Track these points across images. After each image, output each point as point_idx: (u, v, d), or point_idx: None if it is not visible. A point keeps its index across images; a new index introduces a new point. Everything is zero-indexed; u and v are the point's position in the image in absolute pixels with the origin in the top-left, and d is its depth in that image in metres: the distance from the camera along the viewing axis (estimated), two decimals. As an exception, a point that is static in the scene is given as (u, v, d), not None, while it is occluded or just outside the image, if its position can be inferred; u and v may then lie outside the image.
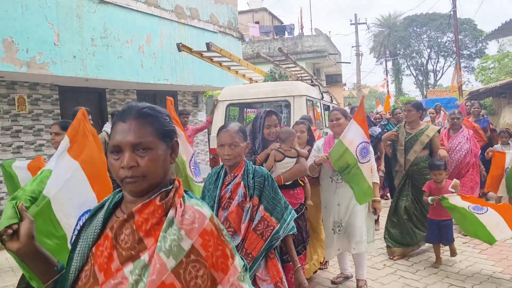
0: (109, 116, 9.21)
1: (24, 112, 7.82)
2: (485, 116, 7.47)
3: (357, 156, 3.59)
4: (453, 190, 4.25)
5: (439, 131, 4.85)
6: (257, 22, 24.39)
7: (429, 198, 4.34)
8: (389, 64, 43.03)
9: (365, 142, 3.65)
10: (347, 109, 7.17)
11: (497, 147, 6.26)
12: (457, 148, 5.62)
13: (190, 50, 6.85)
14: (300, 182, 3.55)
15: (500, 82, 11.92)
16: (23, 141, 7.80)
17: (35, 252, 1.20)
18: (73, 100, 8.89)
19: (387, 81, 28.10)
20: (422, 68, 45.77)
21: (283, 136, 3.43)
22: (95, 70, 7.77)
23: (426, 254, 4.88)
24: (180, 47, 6.58)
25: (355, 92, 28.06)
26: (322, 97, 7.78)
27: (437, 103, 11.45)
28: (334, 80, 25.51)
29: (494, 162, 5.71)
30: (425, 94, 34.12)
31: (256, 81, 8.11)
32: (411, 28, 43.81)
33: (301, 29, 24.37)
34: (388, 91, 23.66)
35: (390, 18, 45.55)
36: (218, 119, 6.59)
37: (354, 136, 3.62)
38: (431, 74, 45.97)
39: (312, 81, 8.11)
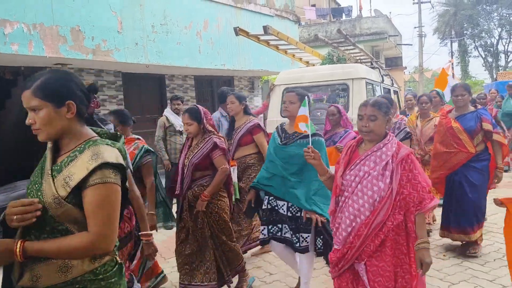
0: (168, 101, 9.49)
1: (90, 97, 8.24)
2: (478, 107, 4.42)
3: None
4: None
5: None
6: (313, 5, 23.84)
7: None
8: (455, 45, 40.62)
9: None
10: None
11: None
12: (357, 189, 2.30)
13: (247, 34, 6.83)
14: None
15: None
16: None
17: None
18: (135, 86, 9.25)
19: (452, 64, 26.52)
20: (491, 49, 42.66)
21: None
22: (155, 56, 7.99)
23: (495, 245, 4.58)
24: (238, 31, 6.58)
25: (417, 75, 26.74)
26: (383, 80, 7.48)
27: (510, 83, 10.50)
28: (394, 63, 24.46)
29: (509, 220, 2.54)
30: (495, 77, 31.86)
31: (313, 65, 7.95)
32: (480, 6, 40.80)
33: (360, 10, 23.52)
34: (453, 74, 22.35)
35: (456, -5, 42.74)
36: (275, 104, 6.55)
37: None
38: (502, 56, 42.78)
39: (372, 64, 7.81)
